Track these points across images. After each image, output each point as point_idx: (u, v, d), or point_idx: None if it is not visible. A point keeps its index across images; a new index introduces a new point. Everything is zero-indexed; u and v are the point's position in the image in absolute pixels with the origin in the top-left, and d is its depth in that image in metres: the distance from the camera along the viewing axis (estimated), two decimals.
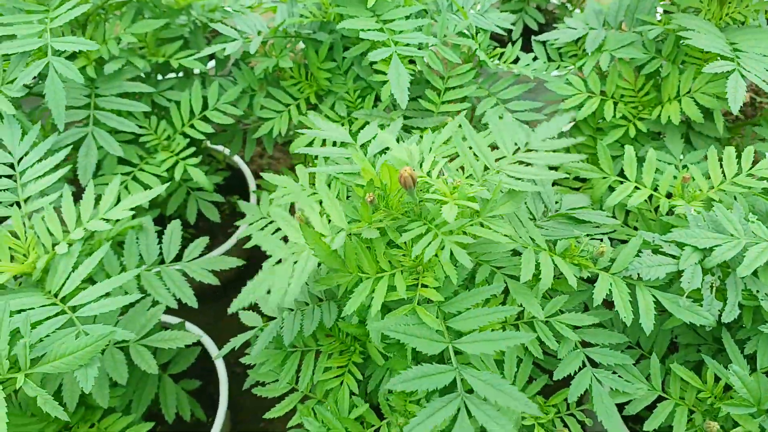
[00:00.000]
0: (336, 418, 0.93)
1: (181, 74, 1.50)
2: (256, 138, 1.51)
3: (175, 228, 1.21)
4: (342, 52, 1.32)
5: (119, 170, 1.30)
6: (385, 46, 1.13)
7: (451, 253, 0.81)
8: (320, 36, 1.30)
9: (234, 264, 1.22)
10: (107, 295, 0.98)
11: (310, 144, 1.32)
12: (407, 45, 1.13)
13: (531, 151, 0.93)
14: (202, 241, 1.24)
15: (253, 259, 1.45)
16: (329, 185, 1.18)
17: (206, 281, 1.17)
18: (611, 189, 1.19)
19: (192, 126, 1.36)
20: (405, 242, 0.87)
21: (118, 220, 1.06)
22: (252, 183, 1.79)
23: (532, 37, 1.53)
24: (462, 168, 0.92)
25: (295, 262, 0.85)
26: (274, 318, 1.08)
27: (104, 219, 1.05)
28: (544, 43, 1.53)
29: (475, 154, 0.90)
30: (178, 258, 1.19)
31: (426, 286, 0.85)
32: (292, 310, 1.04)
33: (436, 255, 0.80)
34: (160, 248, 1.18)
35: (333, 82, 1.34)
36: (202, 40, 1.47)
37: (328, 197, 0.89)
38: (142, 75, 1.38)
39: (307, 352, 1.02)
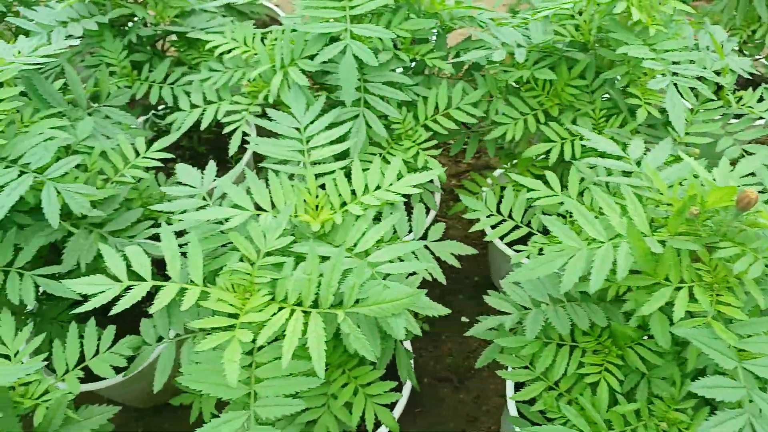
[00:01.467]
0: (596, 410, 0.99)
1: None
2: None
3: (420, 210, 1.31)
4: (594, 72, 1.40)
5: (371, 151, 1.42)
6: (662, 75, 1.20)
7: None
8: (576, 55, 1.38)
9: (469, 251, 1.30)
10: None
11: (548, 152, 1.40)
12: (682, 75, 1.19)
13: None
14: (440, 227, 1.33)
15: None
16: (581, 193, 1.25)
17: (449, 261, 1.27)
18: None
19: (434, 120, 1.47)
20: (710, 258, 0.92)
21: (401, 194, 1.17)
22: (437, 183, 1.90)
23: (763, 85, 1.55)
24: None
25: (594, 254, 0.93)
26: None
27: (389, 191, 1.17)
28: None
29: None
30: (423, 237, 1.30)
31: (728, 304, 0.90)
32: (548, 303, 1.11)
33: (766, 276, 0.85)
34: (410, 226, 1.28)
35: (577, 98, 1.41)
36: (445, 43, 1.59)
37: (632, 202, 0.96)
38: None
39: (561, 346, 1.09)
